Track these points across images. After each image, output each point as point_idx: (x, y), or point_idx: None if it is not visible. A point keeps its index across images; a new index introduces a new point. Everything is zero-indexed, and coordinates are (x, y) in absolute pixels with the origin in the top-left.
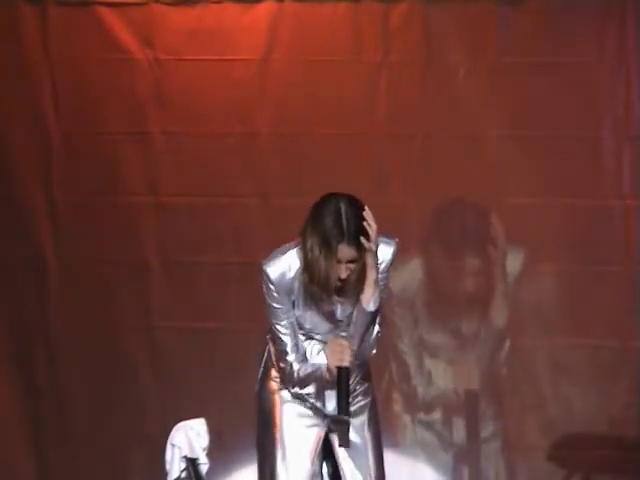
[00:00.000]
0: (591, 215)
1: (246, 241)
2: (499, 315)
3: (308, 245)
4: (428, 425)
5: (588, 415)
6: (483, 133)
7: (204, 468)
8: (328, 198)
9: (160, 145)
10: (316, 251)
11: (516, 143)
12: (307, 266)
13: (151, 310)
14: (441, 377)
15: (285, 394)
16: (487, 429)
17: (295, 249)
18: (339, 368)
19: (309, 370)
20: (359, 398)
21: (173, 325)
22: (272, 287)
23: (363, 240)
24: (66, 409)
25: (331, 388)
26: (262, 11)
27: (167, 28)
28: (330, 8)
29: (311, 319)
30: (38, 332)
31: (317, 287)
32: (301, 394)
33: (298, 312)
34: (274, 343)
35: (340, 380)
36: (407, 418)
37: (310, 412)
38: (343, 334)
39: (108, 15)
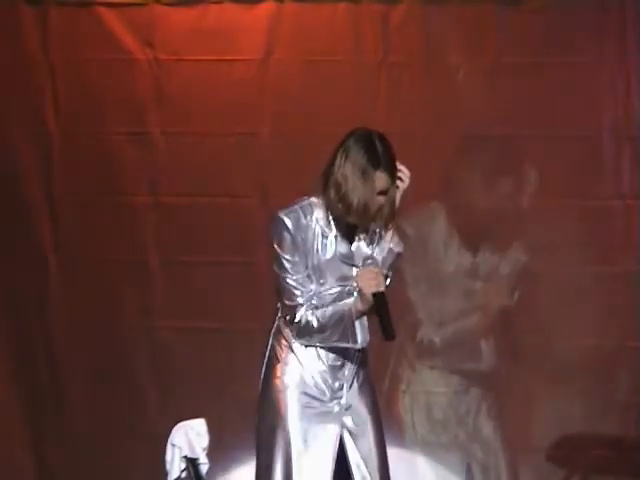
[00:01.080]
0: (591, 215)
1: (246, 241)
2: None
3: (339, 177)
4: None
5: (588, 415)
6: (483, 133)
7: (204, 468)
8: (357, 131)
9: (160, 145)
10: (351, 180)
11: (516, 143)
12: (342, 198)
13: (151, 310)
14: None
15: (291, 393)
16: (487, 429)
17: (310, 199)
18: (375, 294)
19: (329, 312)
20: (360, 389)
21: (173, 325)
22: (287, 235)
23: (399, 181)
24: (66, 409)
25: (359, 319)
26: (262, 11)
27: (167, 28)
28: (330, 8)
29: (331, 275)
30: (38, 332)
31: (355, 217)
32: (319, 344)
33: (312, 271)
34: (283, 300)
35: (380, 305)
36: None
37: (322, 408)
38: (370, 261)
39: (108, 15)
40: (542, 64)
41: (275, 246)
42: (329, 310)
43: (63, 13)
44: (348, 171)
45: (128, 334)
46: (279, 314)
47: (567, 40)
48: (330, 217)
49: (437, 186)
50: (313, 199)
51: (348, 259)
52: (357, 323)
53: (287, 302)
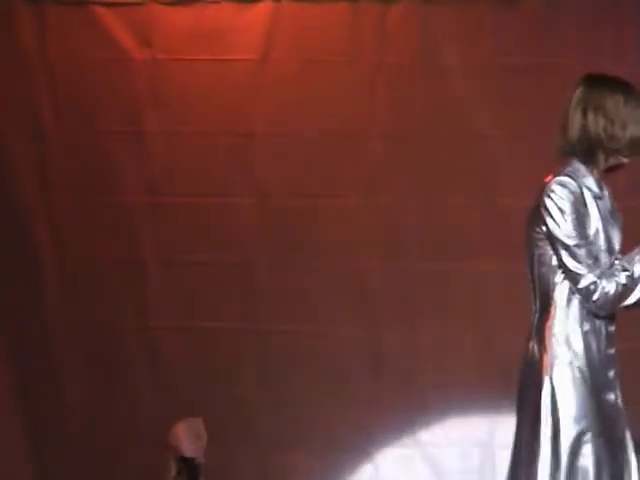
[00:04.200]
0: None
1: (244, 241)
2: None
3: (604, 118)
4: None
5: None
6: (482, 133)
7: (202, 468)
8: (590, 76)
9: (158, 145)
10: (619, 115)
11: (516, 143)
12: (612, 136)
13: (149, 310)
14: None
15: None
16: (487, 429)
17: (566, 168)
18: None
19: (636, 261)
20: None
21: (171, 325)
22: (573, 200)
23: None
24: (65, 409)
25: None
26: (260, 11)
27: (165, 28)
28: (328, 8)
29: (602, 237)
30: (37, 332)
31: (630, 153)
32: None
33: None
34: (577, 271)
35: None
36: None
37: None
38: None
39: (106, 14)
40: (540, 64)
41: (559, 216)
42: (634, 262)
43: (60, 12)
44: (615, 107)
45: (126, 334)
46: (558, 294)
47: (566, 40)
48: (593, 176)
49: (437, 186)
50: (567, 167)
51: (613, 216)
52: None
53: (581, 272)
